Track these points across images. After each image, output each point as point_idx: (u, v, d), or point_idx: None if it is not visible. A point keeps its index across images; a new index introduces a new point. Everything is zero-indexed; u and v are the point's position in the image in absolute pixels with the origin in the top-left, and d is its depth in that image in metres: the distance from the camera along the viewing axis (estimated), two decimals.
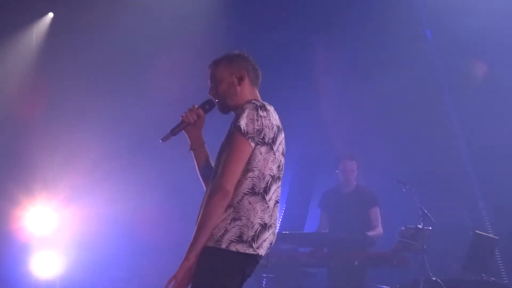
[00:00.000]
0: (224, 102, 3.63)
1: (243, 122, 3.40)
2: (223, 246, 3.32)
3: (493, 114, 7.88)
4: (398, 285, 6.68)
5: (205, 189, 3.71)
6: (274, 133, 3.47)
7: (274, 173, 3.46)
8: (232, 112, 3.63)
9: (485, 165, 7.98)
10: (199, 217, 3.36)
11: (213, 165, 3.68)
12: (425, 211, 6.42)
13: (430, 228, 6.45)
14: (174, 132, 3.63)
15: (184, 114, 3.66)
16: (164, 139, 3.62)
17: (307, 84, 8.45)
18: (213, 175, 3.53)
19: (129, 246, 7.84)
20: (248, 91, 3.62)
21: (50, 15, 8.30)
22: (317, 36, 8.29)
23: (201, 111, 3.67)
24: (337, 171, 7.14)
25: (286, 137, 3.58)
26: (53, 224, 7.63)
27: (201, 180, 3.77)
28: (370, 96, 8.20)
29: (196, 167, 3.80)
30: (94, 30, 7.82)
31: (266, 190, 3.44)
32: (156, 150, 7.02)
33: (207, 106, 3.67)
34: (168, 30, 7.91)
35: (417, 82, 7.93)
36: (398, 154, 8.19)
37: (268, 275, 6.90)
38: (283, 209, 8.79)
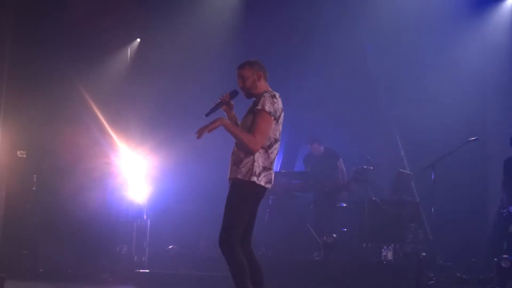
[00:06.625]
0: (249, 92, 4.48)
1: (267, 106, 4.22)
2: (246, 178, 4.25)
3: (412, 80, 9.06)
4: (352, 203, 8.24)
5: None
6: (280, 113, 4.34)
7: (277, 137, 4.36)
8: (253, 98, 4.45)
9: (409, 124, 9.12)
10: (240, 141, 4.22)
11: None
12: (369, 158, 8.12)
13: (372, 168, 8.10)
14: (213, 110, 4.47)
15: (220, 98, 4.51)
16: (207, 114, 4.44)
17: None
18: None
19: (204, 183, 8.74)
20: (263, 85, 4.47)
21: (138, 40, 10.06)
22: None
23: (227, 96, 4.52)
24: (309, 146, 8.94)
25: (288, 115, 4.53)
26: (144, 164, 8.65)
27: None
28: (327, 91, 9.60)
29: None
30: (167, 48, 9.58)
31: (270, 146, 4.30)
32: None
33: (232, 94, 4.55)
34: (205, 39, 9.48)
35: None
36: (347, 126, 9.64)
37: (273, 197, 8.43)
38: (281, 158, 10.36)
